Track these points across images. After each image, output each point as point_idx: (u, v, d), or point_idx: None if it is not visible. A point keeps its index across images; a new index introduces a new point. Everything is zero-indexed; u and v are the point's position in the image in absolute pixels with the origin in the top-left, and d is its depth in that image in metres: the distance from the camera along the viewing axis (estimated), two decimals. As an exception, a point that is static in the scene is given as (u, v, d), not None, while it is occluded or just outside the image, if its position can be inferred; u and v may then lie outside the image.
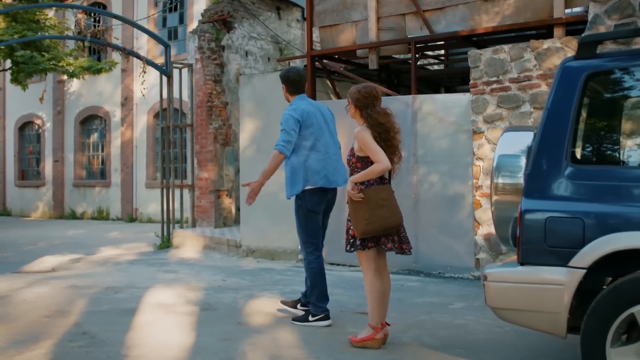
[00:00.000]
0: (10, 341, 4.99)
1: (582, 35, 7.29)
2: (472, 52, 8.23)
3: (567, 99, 3.71)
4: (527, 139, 4.05)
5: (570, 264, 3.45)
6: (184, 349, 4.82)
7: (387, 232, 4.72)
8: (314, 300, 5.58)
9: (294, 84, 5.80)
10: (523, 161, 3.94)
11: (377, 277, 4.84)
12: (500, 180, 4.05)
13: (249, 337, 5.16)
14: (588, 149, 3.76)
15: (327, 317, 5.53)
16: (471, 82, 8.19)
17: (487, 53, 8.10)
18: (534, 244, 3.60)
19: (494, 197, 4.08)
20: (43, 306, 6.34)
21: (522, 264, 3.65)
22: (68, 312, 6.05)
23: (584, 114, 3.71)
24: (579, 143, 3.70)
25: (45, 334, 5.20)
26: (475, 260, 8.10)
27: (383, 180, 4.88)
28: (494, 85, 8.00)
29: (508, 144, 4.14)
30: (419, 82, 10.35)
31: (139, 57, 12.17)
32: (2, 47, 15.15)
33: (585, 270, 3.41)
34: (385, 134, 4.82)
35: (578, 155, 3.69)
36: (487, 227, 8.02)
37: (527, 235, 3.62)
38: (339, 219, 6.02)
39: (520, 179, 3.92)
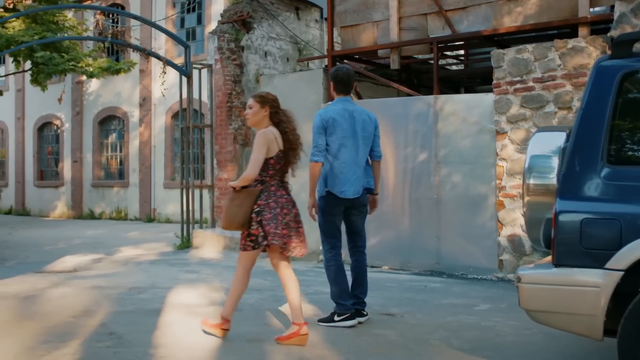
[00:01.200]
0: (38, 341, 5.00)
1: (609, 34, 7.24)
2: (495, 52, 8.18)
3: (602, 99, 3.66)
4: (559, 139, 4.01)
5: (607, 265, 3.41)
6: (211, 349, 4.82)
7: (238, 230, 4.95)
8: (336, 299, 5.56)
9: (341, 82, 5.72)
10: (555, 162, 3.90)
11: (247, 275, 5.11)
12: (532, 181, 4.01)
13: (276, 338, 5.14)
14: (624, 150, 3.70)
15: (352, 317, 5.50)
16: (494, 82, 8.14)
17: (510, 53, 8.05)
18: (569, 245, 3.56)
19: (526, 198, 4.04)
20: (68, 306, 6.35)
21: (556, 266, 3.61)
22: (93, 312, 6.06)
23: (619, 114, 3.66)
24: (615, 143, 3.65)
25: (72, 334, 5.21)
26: (498, 261, 8.05)
27: (286, 184, 5.15)
28: (518, 85, 7.95)
29: (540, 145, 4.09)
30: (439, 82, 10.29)
31: (159, 57, 12.19)
32: (22, 48, 15.24)
33: (622, 273, 3.36)
34: (289, 135, 5.05)
35: (614, 156, 3.64)
36: (510, 228, 7.97)
37: (562, 237, 3.58)
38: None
39: (552, 180, 3.88)
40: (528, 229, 4.10)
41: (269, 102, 5.12)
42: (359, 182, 5.59)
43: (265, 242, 4.89)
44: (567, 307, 3.55)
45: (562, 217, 3.59)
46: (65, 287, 7.54)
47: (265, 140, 4.93)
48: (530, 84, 7.86)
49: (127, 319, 5.82)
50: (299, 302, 5.03)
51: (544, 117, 7.73)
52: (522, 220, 7.86)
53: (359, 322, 5.57)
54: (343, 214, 5.69)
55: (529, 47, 7.91)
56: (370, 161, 5.77)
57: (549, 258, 3.82)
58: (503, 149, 8.05)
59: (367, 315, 5.66)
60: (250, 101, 5.15)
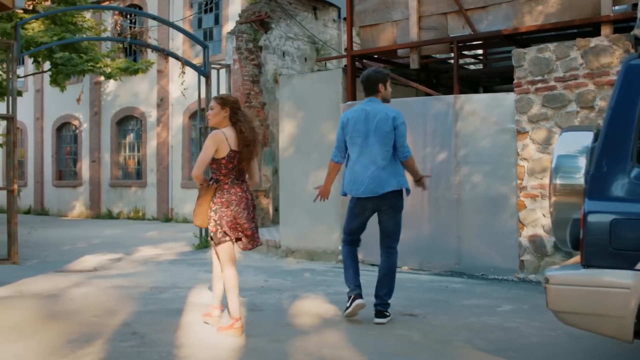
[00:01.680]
0: (62, 340, 5.03)
1: (632, 32, 7.17)
2: (516, 51, 8.12)
3: (632, 99, 3.62)
4: (586, 139, 3.96)
5: (637, 267, 3.37)
6: (234, 349, 4.82)
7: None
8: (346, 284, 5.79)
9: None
10: (583, 162, 3.85)
11: (233, 265, 5.31)
12: (559, 181, 3.96)
13: (298, 338, 5.13)
14: (654, 150, 3.66)
15: (353, 298, 5.60)
16: (515, 81, 8.09)
17: (531, 52, 7.99)
18: (598, 246, 3.52)
19: (553, 198, 3.99)
20: (90, 306, 6.39)
21: (585, 267, 3.57)
22: (116, 312, 6.08)
23: (650, 114, 3.62)
24: (645, 143, 3.61)
25: (95, 334, 5.23)
26: (519, 262, 8.00)
27: (241, 183, 5.31)
28: (539, 85, 7.90)
29: (567, 144, 4.04)
30: (458, 81, 10.24)
31: (177, 58, 12.23)
32: (42, 49, 15.34)
33: (653, 274, 3.32)
34: (243, 136, 5.20)
35: (644, 156, 3.60)
36: (531, 229, 7.92)
37: (591, 238, 3.54)
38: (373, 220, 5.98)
39: (579, 180, 3.84)
40: (555, 230, 4.06)
41: (229, 104, 5.30)
42: (373, 181, 5.58)
43: (225, 239, 5.21)
44: (596, 308, 3.51)
45: (591, 218, 3.55)
46: (86, 286, 7.58)
47: (214, 142, 5.15)
48: (552, 83, 7.80)
49: (149, 318, 5.84)
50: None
51: (566, 116, 7.67)
52: (543, 221, 7.81)
53: (379, 323, 5.55)
54: (374, 214, 5.74)
55: (551, 46, 7.85)
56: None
57: (577, 259, 3.78)
58: (524, 148, 7.99)
59: (389, 316, 5.63)
60: (212, 102, 5.37)
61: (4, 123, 20.42)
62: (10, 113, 10.23)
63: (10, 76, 10.30)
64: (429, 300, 6.66)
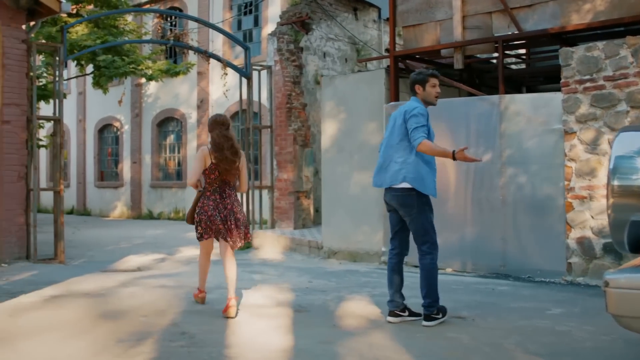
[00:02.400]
0: (113, 339, 5.08)
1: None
2: (564, 50, 7.99)
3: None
4: (644, 139, 3.88)
5: (703, 270, 3.27)
6: (283, 350, 4.81)
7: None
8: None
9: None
10: (641, 162, 3.77)
11: (203, 257, 6.51)
12: (616, 183, 3.88)
13: (346, 340, 5.11)
14: None
15: (390, 313, 5.70)
16: (562, 80, 7.96)
17: (579, 51, 7.85)
18: (660, 249, 3.43)
19: (610, 200, 3.91)
20: (138, 305, 6.45)
21: (647, 270, 3.48)
22: (163, 312, 6.14)
23: None
24: None
25: (145, 333, 5.28)
26: (567, 264, 7.87)
27: (222, 191, 6.19)
28: (588, 84, 7.76)
29: (624, 145, 3.96)
30: (498, 81, 10.12)
31: (219, 59, 12.31)
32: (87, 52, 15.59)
33: None
34: (220, 152, 6.06)
35: None
36: (579, 231, 7.78)
37: (653, 240, 3.45)
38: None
39: (638, 181, 3.76)
40: (612, 232, 3.97)
41: (209, 124, 6.29)
42: (385, 174, 5.73)
43: (202, 239, 6.26)
44: (659, 313, 3.42)
45: (653, 220, 3.46)
46: (133, 286, 7.66)
47: (199, 156, 6.16)
48: (601, 82, 7.65)
49: (197, 318, 5.87)
50: (235, 277, 6.18)
51: (615, 116, 7.52)
52: (591, 223, 7.67)
53: (426, 326, 5.53)
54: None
55: (599, 44, 7.70)
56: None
57: (636, 261, 3.70)
58: (572, 149, 7.86)
59: (438, 318, 5.54)
60: None
61: (47, 125, 20.86)
62: (57, 115, 10.40)
63: (57, 79, 10.47)
64: (476, 302, 6.58)
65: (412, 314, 5.71)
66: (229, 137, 6.15)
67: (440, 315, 5.59)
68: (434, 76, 5.77)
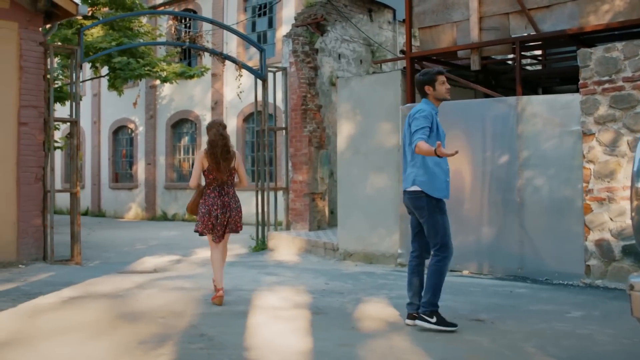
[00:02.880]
0: (133, 341, 5.09)
1: None
2: (582, 51, 7.94)
3: None
4: (669, 141, 3.83)
5: None
6: (303, 352, 4.80)
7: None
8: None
9: None
10: (666, 164, 3.73)
11: (214, 252, 6.93)
12: (641, 185, 3.84)
13: (365, 343, 5.09)
14: None
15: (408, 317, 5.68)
16: (581, 81, 7.90)
17: (598, 51, 7.79)
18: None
19: (634, 203, 3.87)
20: (156, 307, 6.46)
21: (673, 274, 3.44)
22: (182, 314, 6.14)
23: None
24: None
25: (165, 335, 5.29)
26: (585, 267, 7.81)
27: (220, 189, 6.84)
28: (606, 85, 7.70)
29: (649, 147, 3.91)
30: (515, 82, 10.05)
31: (235, 61, 12.32)
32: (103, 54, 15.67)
33: None
34: (214, 153, 6.68)
35: None
36: (598, 233, 7.72)
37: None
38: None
39: (663, 184, 3.71)
40: (636, 235, 3.93)
41: (207, 128, 6.93)
42: (403, 177, 5.75)
43: (202, 235, 6.97)
44: (686, 317, 3.38)
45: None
46: (150, 288, 7.68)
47: (198, 158, 6.85)
48: (620, 83, 7.59)
49: (216, 320, 5.87)
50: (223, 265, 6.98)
51: (635, 117, 7.46)
52: (610, 225, 7.61)
53: (407, 324, 5.60)
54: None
55: (618, 45, 7.64)
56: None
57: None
58: (590, 151, 7.80)
59: (427, 321, 5.43)
60: None
61: (62, 127, 20.98)
62: (74, 117, 10.45)
63: (74, 81, 10.52)
64: (494, 305, 6.55)
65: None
66: (224, 136, 6.72)
67: (434, 320, 5.40)
68: (440, 73, 5.76)
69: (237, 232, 7.03)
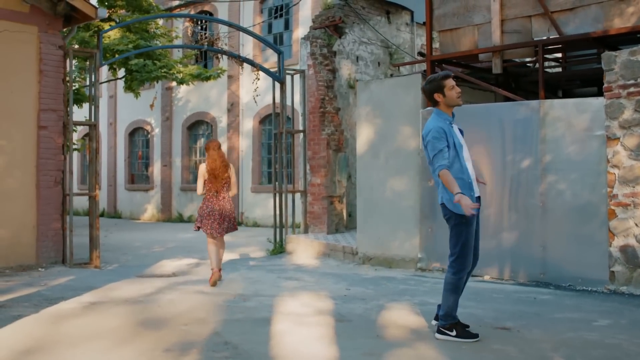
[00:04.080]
0: (157, 349, 5.06)
1: None
2: (606, 54, 7.84)
3: None
4: None
5: None
6: (329, 362, 4.76)
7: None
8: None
9: None
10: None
11: (210, 244, 8.50)
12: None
13: (391, 351, 5.03)
14: None
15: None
16: (605, 85, 7.81)
17: (623, 55, 7.70)
18: None
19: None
20: (178, 313, 6.43)
21: None
22: (204, 320, 6.11)
23: None
24: None
25: (189, 343, 5.25)
26: (609, 273, 7.71)
27: (217, 194, 8.49)
28: (632, 89, 7.60)
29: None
30: (535, 85, 9.96)
31: (253, 64, 12.30)
32: (118, 55, 15.70)
33: None
34: (212, 167, 8.40)
35: None
36: (622, 239, 7.62)
37: None
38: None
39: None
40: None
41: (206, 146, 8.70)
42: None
43: (199, 230, 8.59)
44: None
45: None
46: (171, 292, 7.65)
47: (200, 170, 8.49)
48: (646, 87, 7.49)
49: (239, 327, 5.83)
50: (221, 257, 8.64)
51: (661, 122, 7.36)
52: (635, 230, 7.52)
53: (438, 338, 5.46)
54: None
55: (644, 48, 7.54)
56: None
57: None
58: (615, 155, 7.70)
59: (446, 334, 5.36)
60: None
61: (79, 128, 21.04)
62: (93, 120, 10.46)
63: (93, 84, 10.54)
64: (519, 312, 6.46)
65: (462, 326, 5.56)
66: (220, 155, 8.48)
67: (454, 333, 5.30)
68: (447, 77, 5.46)
69: (235, 230, 8.72)
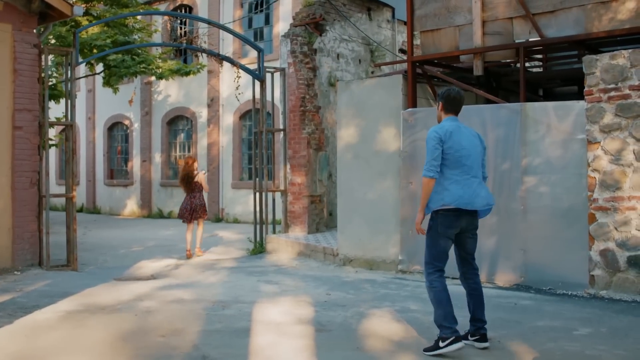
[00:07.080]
0: (133, 365, 4.98)
1: None
2: (587, 58, 7.80)
3: None
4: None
5: None
6: (308, 378, 4.69)
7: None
8: (441, 322, 5.32)
9: (453, 101, 5.59)
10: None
11: (188, 232, 11.88)
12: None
13: (372, 365, 4.99)
14: None
15: (458, 340, 5.22)
16: (586, 89, 7.78)
17: (603, 58, 7.66)
18: None
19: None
20: (156, 323, 6.33)
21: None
22: (182, 331, 6.01)
23: None
24: None
25: (166, 357, 5.17)
26: (589, 277, 7.71)
27: (192, 194, 11.93)
28: (612, 93, 7.58)
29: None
30: (516, 84, 9.93)
31: (233, 62, 12.16)
32: (96, 51, 15.47)
33: None
34: (181, 179, 12.01)
35: None
36: (603, 243, 7.62)
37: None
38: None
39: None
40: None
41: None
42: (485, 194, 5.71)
43: (183, 222, 12.00)
44: None
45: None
46: (148, 300, 7.54)
47: (179, 177, 12.03)
48: (626, 91, 7.47)
49: (218, 339, 5.74)
50: (200, 239, 12.00)
51: (641, 126, 7.34)
52: (615, 235, 7.51)
53: (485, 348, 5.40)
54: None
55: (625, 52, 7.51)
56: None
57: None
58: (595, 159, 7.68)
59: (470, 340, 5.44)
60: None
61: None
62: (70, 120, 10.29)
63: (69, 83, 10.35)
64: (499, 320, 6.42)
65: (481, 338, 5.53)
66: (190, 169, 11.84)
67: (442, 344, 5.20)
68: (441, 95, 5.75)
69: (204, 218, 12.04)
